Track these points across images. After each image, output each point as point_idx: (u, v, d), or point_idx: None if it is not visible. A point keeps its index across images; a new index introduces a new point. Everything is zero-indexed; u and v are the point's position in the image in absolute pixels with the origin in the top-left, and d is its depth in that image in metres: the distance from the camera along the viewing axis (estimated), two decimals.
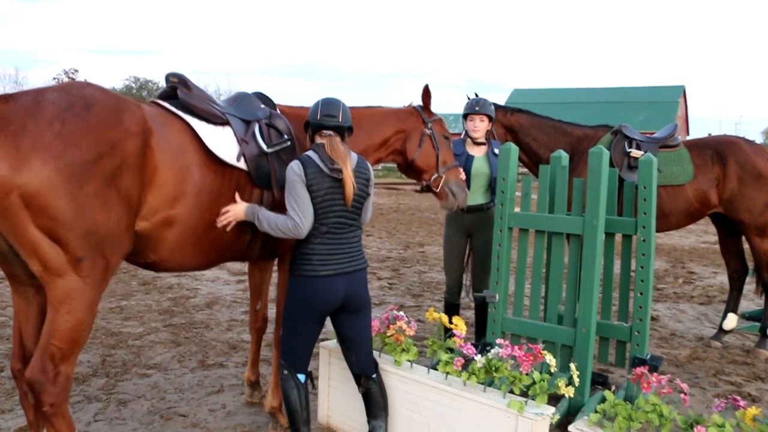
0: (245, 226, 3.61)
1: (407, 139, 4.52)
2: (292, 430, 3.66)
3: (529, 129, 6.20)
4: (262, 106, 3.90)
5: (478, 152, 5.37)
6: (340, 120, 3.52)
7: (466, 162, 5.31)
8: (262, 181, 3.67)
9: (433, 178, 4.54)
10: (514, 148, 4.75)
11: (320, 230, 3.42)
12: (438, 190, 4.54)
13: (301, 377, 3.62)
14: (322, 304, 3.46)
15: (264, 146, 3.69)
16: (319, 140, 3.52)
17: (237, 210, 3.48)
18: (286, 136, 3.82)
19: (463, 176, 4.68)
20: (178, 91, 3.56)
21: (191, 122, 3.44)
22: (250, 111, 3.81)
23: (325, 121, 3.50)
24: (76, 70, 74.19)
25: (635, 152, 5.81)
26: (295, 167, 3.37)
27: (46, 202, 2.76)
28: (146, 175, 3.11)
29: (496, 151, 5.25)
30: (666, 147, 6.04)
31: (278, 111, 4.00)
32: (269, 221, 3.40)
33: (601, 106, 48.04)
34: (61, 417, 3.07)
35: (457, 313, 5.49)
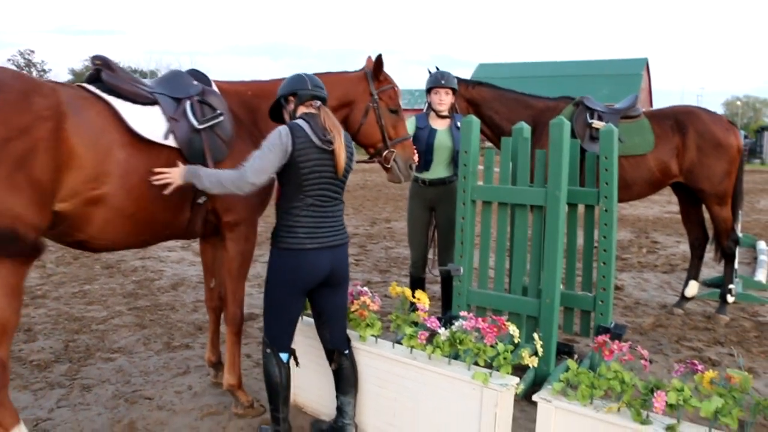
0: (182, 204, 3.61)
1: (352, 109, 4.40)
2: (270, 409, 3.63)
3: (491, 102, 6.19)
4: (195, 82, 3.86)
5: (441, 125, 5.35)
6: (325, 91, 3.60)
7: (429, 135, 5.29)
8: (195, 157, 3.62)
9: (383, 153, 4.45)
10: (475, 121, 4.74)
11: (306, 202, 3.36)
12: (388, 165, 4.46)
13: (284, 356, 3.57)
14: (307, 277, 3.42)
15: (195, 123, 3.66)
16: (304, 111, 3.49)
17: (173, 172, 3.42)
18: (218, 112, 3.78)
19: (413, 151, 4.57)
20: (102, 73, 3.54)
21: (114, 103, 3.42)
22: (181, 88, 3.78)
23: (316, 91, 3.54)
24: (32, 51, 72.50)
25: (597, 123, 5.84)
26: (283, 133, 3.29)
27: None
28: (61, 158, 3.09)
29: (459, 124, 5.20)
30: (627, 117, 6.08)
31: (214, 87, 3.96)
32: (210, 177, 3.34)
33: (566, 80, 48.36)
34: (1, 406, 3.01)
35: (423, 287, 5.51)
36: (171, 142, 3.57)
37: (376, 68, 4.42)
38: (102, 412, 4.12)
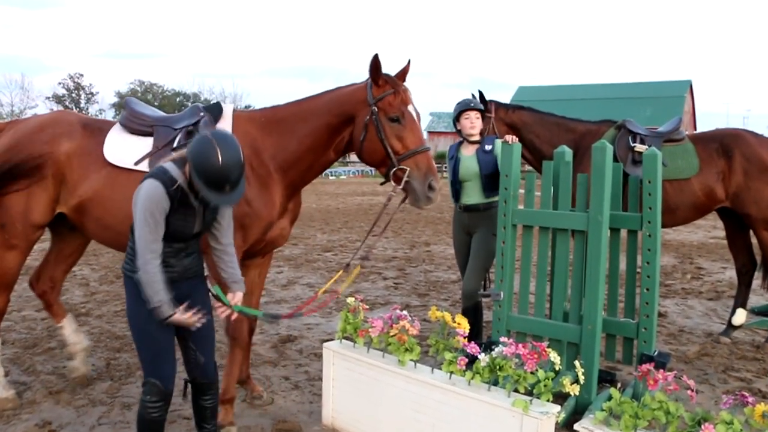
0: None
1: (354, 126, 3.96)
2: None
3: (531, 126, 6.17)
4: (201, 114, 4.14)
5: (468, 152, 5.29)
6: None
7: (455, 164, 5.26)
8: None
9: (391, 172, 3.87)
10: (516, 145, 4.71)
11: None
12: (401, 186, 3.85)
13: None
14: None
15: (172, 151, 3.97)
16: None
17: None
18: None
19: (428, 166, 3.84)
20: (122, 113, 4.39)
21: (110, 135, 4.23)
22: (184, 120, 4.17)
23: None
24: (81, 75, 74.70)
25: (639, 147, 5.76)
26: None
27: None
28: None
29: (487, 147, 5.17)
30: (671, 141, 5.99)
31: (225, 117, 4.17)
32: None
33: (607, 103, 47.96)
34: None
35: (478, 312, 5.33)
36: (144, 167, 4.05)
37: (372, 72, 3.90)
38: None
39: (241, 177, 3.11)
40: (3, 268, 4.33)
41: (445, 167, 5.38)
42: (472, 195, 5.25)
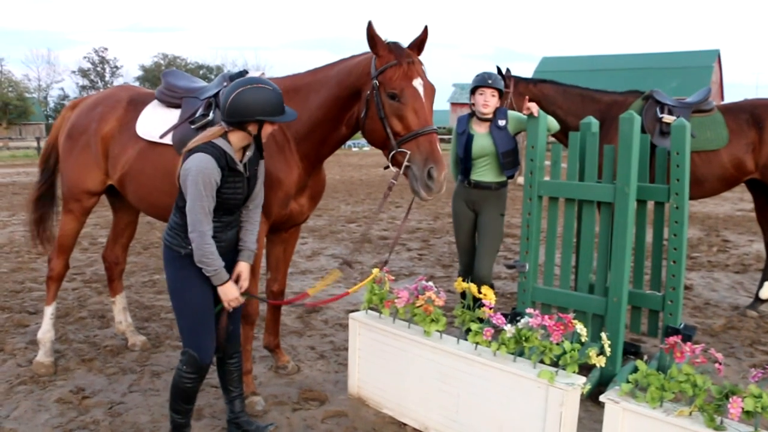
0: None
1: (360, 102, 3.66)
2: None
3: (554, 98, 6.11)
4: (225, 83, 4.01)
5: (481, 129, 4.93)
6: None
7: (467, 141, 4.91)
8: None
9: (391, 155, 3.52)
10: (542, 115, 4.66)
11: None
12: (402, 171, 3.49)
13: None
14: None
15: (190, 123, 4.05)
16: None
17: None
18: (210, 112, 4.01)
19: (432, 149, 3.42)
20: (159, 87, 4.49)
21: (146, 110, 4.37)
22: (210, 90, 4.16)
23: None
24: (106, 48, 75.15)
25: (667, 117, 5.68)
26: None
27: None
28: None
29: (500, 122, 4.86)
30: (699, 112, 5.90)
31: None
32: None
33: (633, 73, 47.10)
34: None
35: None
36: (168, 140, 4.16)
37: (369, 42, 3.53)
38: None
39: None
40: (62, 230, 4.78)
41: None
42: (486, 173, 4.96)
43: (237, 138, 3.24)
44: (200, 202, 3.11)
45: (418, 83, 3.47)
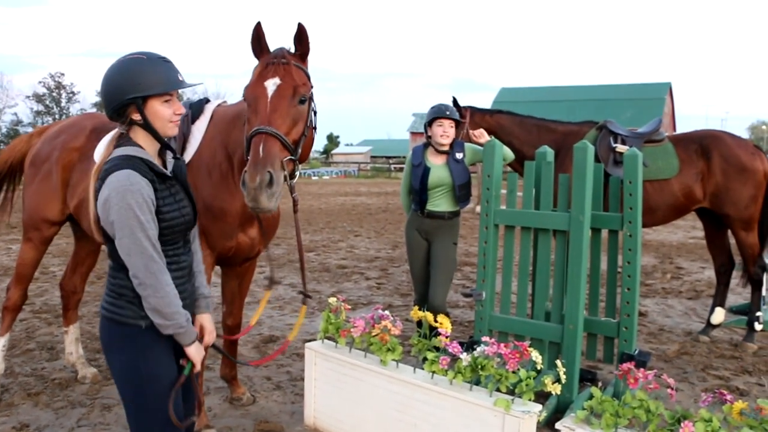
0: None
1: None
2: None
3: (510, 128, 6.20)
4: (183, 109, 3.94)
5: (438, 161, 4.95)
6: None
7: (423, 173, 4.90)
8: None
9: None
10: (498, 144, 4.72)
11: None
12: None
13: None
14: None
15: None
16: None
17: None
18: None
19: (253, 150, 3.09)
20: None
21: (106, 136, 3.98)
22: None
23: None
24: (62, 74, 73.99)
25: (620, 147, 5.80)
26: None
27: None
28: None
29: (458, 155, 4.89)
30: (651, 142, 6.04)
31: (205, 112, 3.95)
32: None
33: (588, 104, 48.27)
34: None
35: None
36: None
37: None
38: None
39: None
40: (21, 259, 4.72)
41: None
42: (440, 203, 4.96)
43: (142, 139, 2.50)
44: (140, 233, 2.32)
45: (267, 83, 3.24)
